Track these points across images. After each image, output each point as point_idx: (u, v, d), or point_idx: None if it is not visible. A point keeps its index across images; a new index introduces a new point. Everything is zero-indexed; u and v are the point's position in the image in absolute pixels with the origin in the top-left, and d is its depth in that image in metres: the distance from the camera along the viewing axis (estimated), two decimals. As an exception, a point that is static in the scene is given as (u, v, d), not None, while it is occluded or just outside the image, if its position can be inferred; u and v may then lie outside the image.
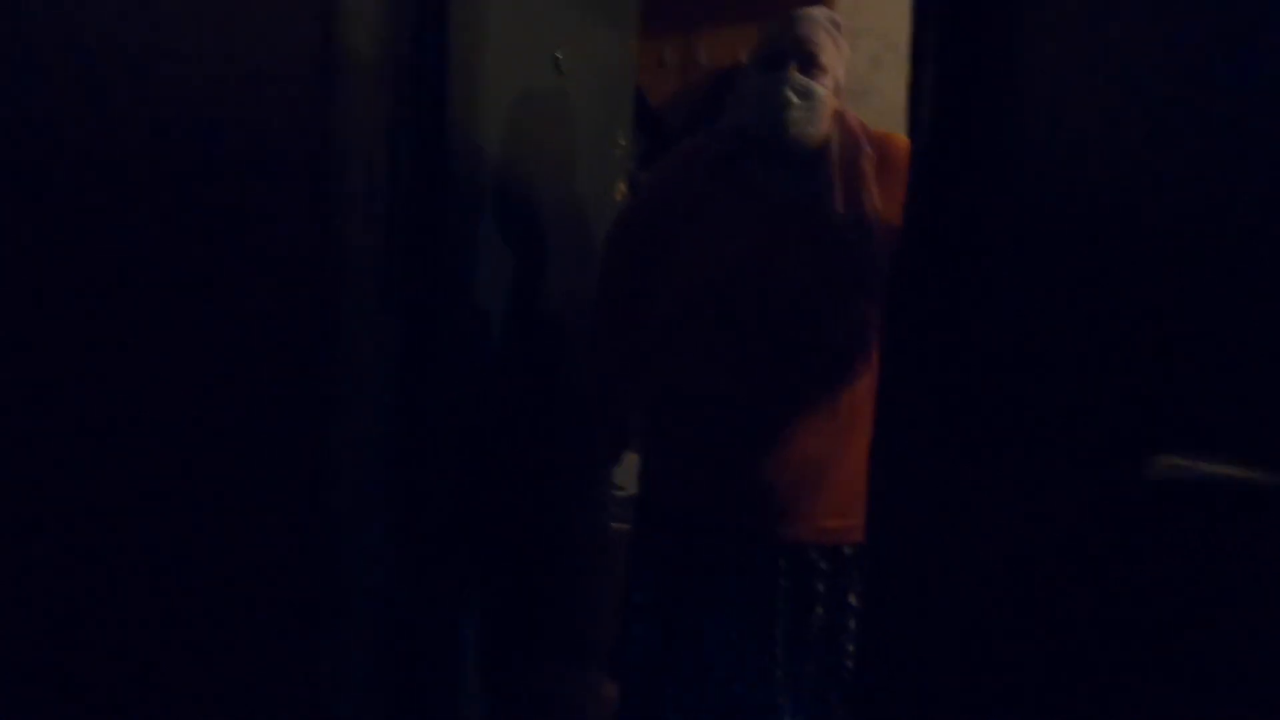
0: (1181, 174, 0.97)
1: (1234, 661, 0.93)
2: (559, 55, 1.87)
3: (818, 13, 1.62)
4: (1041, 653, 1.06)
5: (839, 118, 1.64)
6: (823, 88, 1.58)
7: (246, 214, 1.09)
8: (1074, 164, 1.04)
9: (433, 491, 1.47)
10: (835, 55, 1.60)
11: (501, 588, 1.89)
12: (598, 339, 1.83)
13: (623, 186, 2.28)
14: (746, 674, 1.61)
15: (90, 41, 1.03)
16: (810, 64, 1.57)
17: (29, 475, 0.98)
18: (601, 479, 2.43)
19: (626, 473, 2.65)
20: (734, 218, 1.64)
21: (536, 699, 2.07)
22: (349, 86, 1.18)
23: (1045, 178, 1.06)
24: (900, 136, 1.43)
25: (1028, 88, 1.08)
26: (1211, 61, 0.95)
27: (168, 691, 1.14)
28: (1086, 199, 1.03)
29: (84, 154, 0.97)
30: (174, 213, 1.04)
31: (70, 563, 1.03)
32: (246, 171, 1.09)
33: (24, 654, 1.00)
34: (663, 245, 1.69)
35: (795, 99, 1.56)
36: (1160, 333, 0.98)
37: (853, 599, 1.62)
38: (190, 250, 1.05)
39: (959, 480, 1.11)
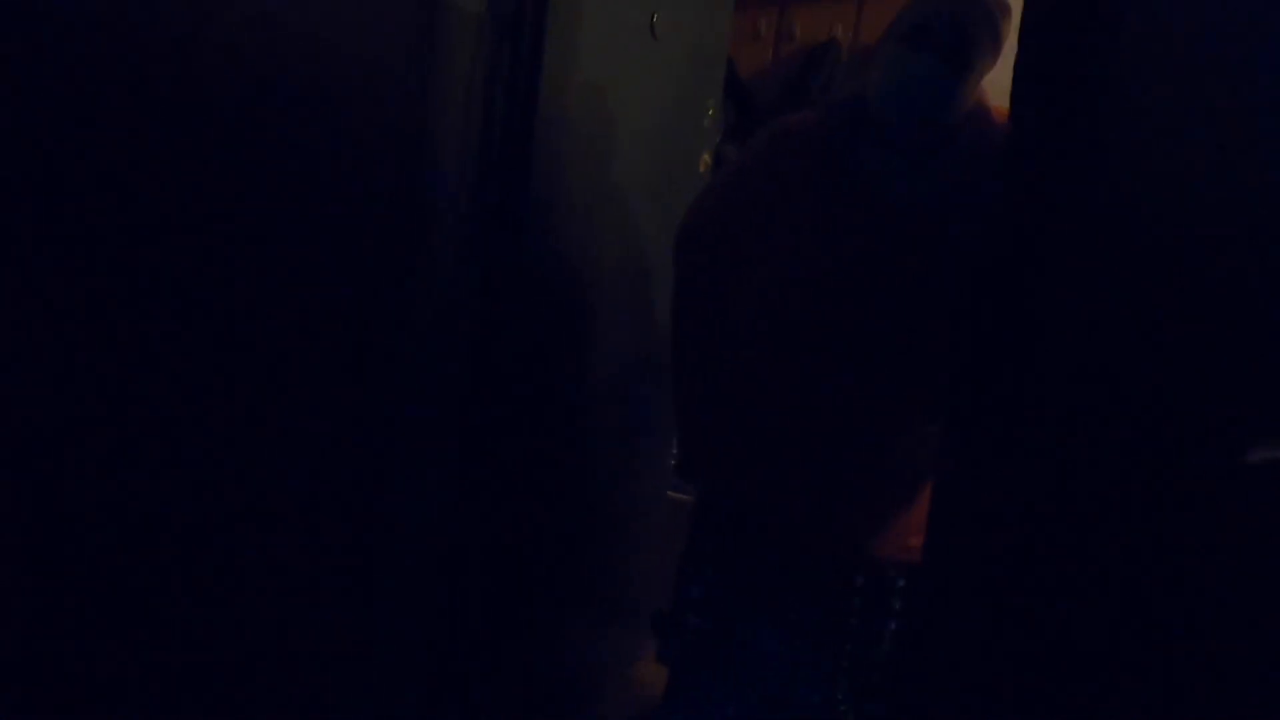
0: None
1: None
2: (655, 18, 1.85)
3: None
4: (1096, 670, 1.03)
5: (976, 113, 1.43)
6: (966, 81, 1.39)
7: (345, 152, 1.11)
8: (1178, 172, 0.99)
9: (492, 446, 1.49)
10: (988, 45, 1.40)
11: (549, 548, 1.91)
12: (674, 337, 1.64)
13: (707, 158, 2.26)
14: (809, 678, 1.54)
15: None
16: (959, 50, 1.37)
17: (123, 386, 1.02)
18: (660, 448, 2.43)
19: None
20: (835, 209, 1.47)
21: (576, 661, 2.10)
22: (450, 35, 1.19)
23: (1149, 182, 1.01)
24: None
25: (1134, 83, 1.03)
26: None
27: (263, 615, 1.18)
28: (1186, 215, 0.98)
29: (185, 88, 1.00)
30: (275, 145, 1.06)
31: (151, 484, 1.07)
32: (346, 112, 1.10)
33: (115, 562, 1.05)
34: (745, 235, 1.52)
35: (933, 85, 1.37)
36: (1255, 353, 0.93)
37: None
38: (290, 180, 1.07)
39: (1026, 494, 1.08)
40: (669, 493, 2.51)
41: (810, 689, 1.55)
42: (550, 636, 1.95)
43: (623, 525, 2.21)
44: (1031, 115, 1.05)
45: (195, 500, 1.07)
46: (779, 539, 1.57)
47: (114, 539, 1.03)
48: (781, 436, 1.53)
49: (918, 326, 1.43)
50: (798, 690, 1.56)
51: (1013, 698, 1.11)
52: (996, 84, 1.47)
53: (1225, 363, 0.95)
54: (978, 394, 1.09)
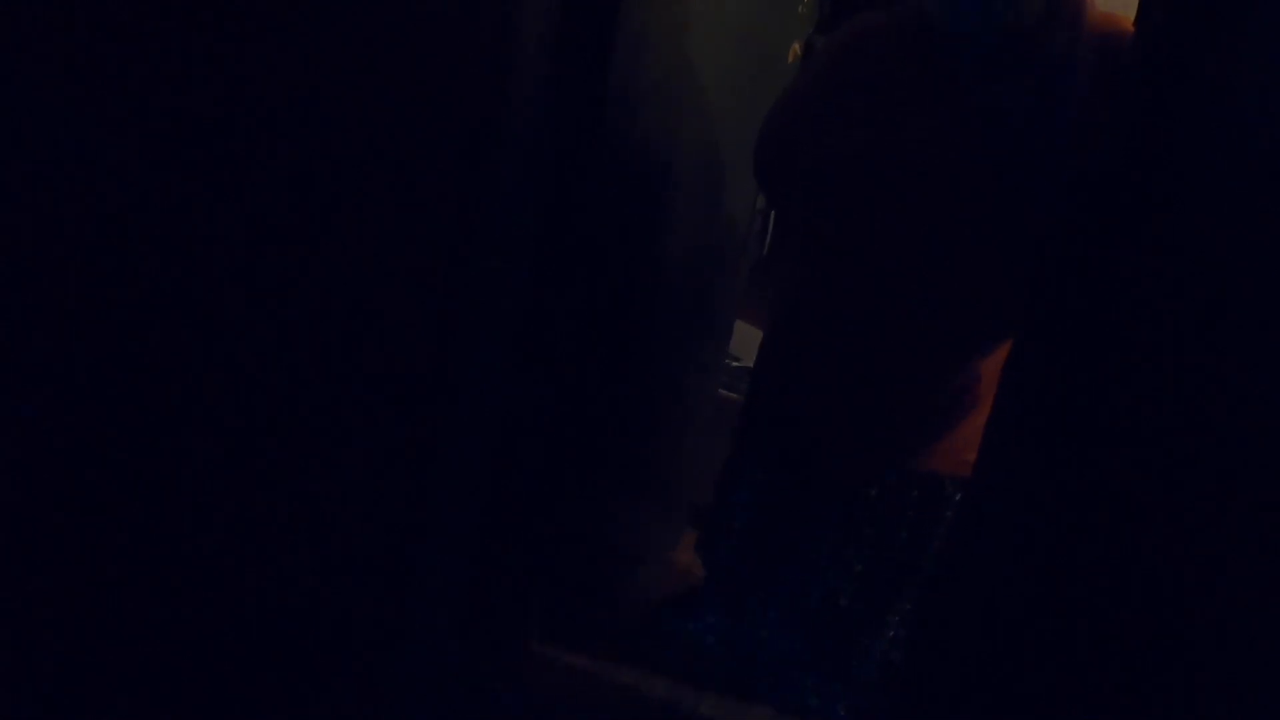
0: None
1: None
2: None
3: None
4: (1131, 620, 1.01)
5: (1069, 17, 1.33)
6: None
7: (417, 38, 1.08)
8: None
9: (557, 324, 1.49)
10: None
11: (604, 431, 1.93)
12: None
13: (797, 48, 2.15)
14: (854, 589, 1.57)
15: None
16: None
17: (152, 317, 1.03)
18: (718, 347, 2.42)
19: (741, 344, 2.65)
20: (918, 113, 1.40)
21: (617, 542, 2.15)
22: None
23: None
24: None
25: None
26: None
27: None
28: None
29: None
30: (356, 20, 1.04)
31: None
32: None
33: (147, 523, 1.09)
34: (824, 136, 1.47)
35: None
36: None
37: None
38: (370, 42, 1.05)
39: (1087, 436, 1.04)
40: (720, 390, 2.52)
41: (854, 599, 1.57)
42: (596, 514, 1.99)
43: (674, 417, 2.22)
44: (1162, 22, 0.96)
45: (250, 378, 1.10)
46: (834, 448, 1.57)
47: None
48: (844, 343, 1.51)
49: (995, 239, 1.38)
50: (843, 599, 1.58)
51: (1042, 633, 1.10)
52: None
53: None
54: (1058, 320, 1.05)
